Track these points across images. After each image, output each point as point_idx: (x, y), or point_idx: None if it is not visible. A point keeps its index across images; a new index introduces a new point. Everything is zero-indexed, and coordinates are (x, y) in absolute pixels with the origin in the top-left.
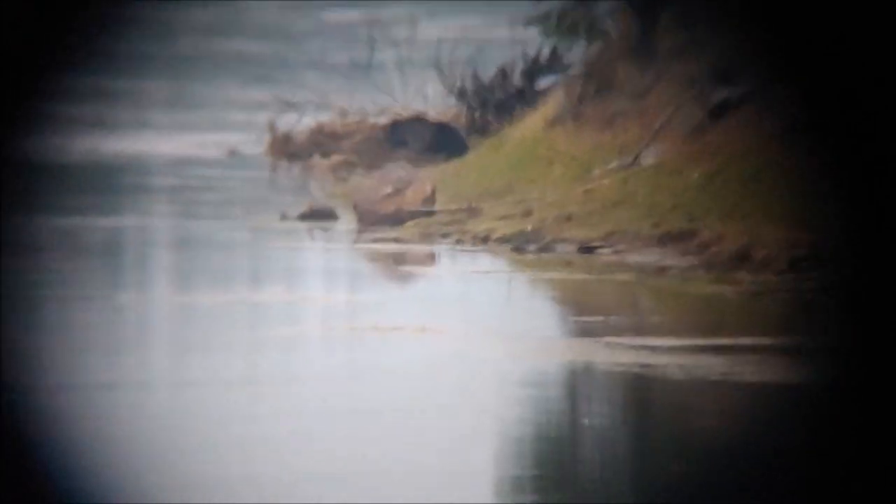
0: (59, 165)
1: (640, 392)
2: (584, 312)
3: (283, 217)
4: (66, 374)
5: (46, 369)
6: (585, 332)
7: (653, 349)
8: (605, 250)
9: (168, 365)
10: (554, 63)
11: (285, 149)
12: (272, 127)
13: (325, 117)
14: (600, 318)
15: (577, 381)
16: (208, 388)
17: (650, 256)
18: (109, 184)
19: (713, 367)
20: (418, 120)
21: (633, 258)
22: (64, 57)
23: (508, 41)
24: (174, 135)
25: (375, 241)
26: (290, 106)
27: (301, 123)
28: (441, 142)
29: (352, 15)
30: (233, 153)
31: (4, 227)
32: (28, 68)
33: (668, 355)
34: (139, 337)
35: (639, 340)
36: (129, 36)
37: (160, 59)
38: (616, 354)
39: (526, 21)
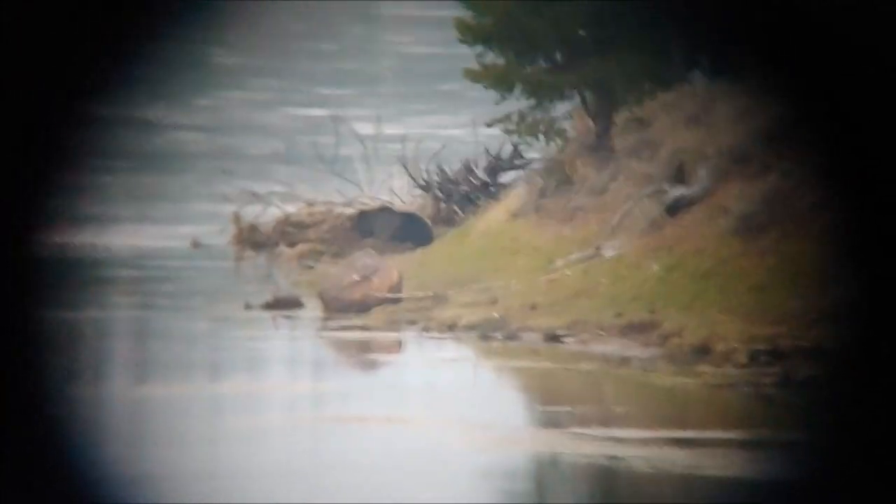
0: (18, 260)
1: (607, 484)
2: (551, 402)
3: (248, 306)
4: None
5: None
6: (552, 422)
7: (618, 441)
8: (570, 339)
9: (124, 459)
10: (515, 160)
11: (251, 239)
12: (237, 218)
13: (292, 208)
14: (566, 409)
15: (543, 473)
16: (166, 483)
17: (613, 346)
18: (69, 277)
19: (678, 460)
20: (385, 210)
21: (597, 348)
22: (29, 152)
23: (472, 139)
24: (137, 227)
25: (341, 328)
26: (255, 197)
27: (267, 214)
28: (407, 231)
29: (318, 112)
30: (196, 244)
31: None
32: None
33: (634, 447)
34: (94, 431)
35: (604, 431)
36: (93, 131)
37: (125, 153)
38: (582, 445)
39: (488, 122)
